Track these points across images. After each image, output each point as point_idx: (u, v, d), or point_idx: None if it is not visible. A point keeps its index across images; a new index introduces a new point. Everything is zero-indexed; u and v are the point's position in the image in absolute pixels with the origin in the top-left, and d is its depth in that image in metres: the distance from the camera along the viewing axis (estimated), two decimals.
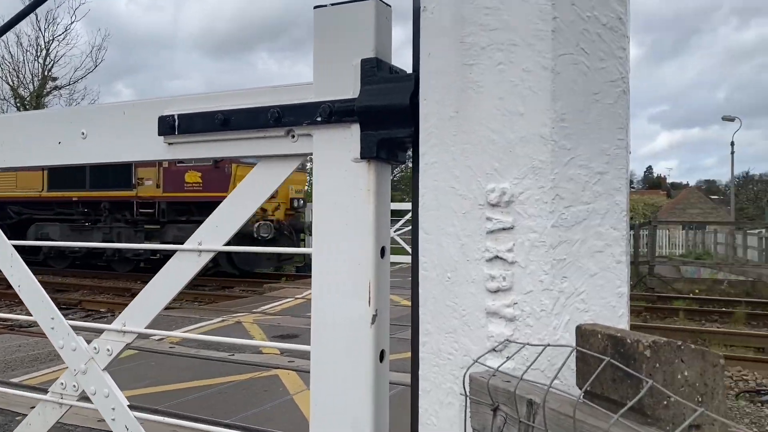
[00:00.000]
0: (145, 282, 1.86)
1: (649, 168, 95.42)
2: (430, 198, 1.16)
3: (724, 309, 14.37)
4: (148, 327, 1.84)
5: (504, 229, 1.05)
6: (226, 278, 17.76)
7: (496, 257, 1.06)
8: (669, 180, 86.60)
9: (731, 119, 36.44)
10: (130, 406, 1.85)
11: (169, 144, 1.71)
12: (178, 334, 2.38)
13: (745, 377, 8.65)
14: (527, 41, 1.04)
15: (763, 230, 24.34)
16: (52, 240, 19.20)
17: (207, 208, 15.91)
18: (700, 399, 0.76)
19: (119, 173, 18.78)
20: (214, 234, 1.71)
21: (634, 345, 0.74)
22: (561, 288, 1.03)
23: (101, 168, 18.00)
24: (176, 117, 1.67)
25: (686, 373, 0.75)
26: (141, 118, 1.76)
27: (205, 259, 1.74)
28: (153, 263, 18.64)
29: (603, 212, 1.07)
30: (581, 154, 1.05)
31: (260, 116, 1.54)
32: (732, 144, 35.34)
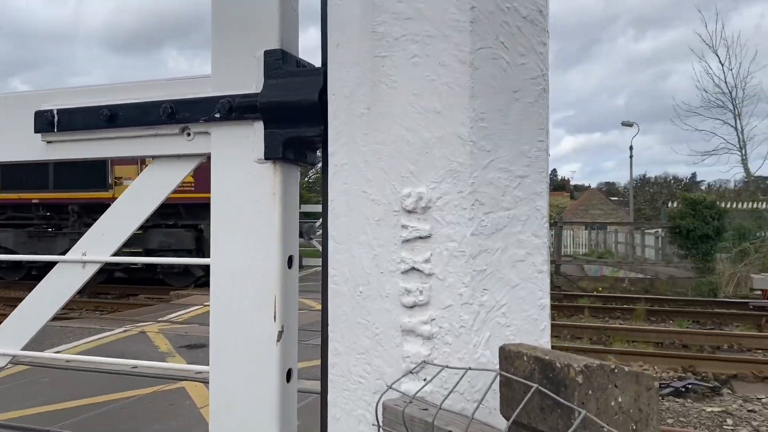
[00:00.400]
0: None
1: (554, 171, 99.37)
2: (341, 203, 1.05)
3: (625, 306, 15.09)
4: (25, 348, 1.64)
5: (421, 237, 0.96)
6: (129, 285, 16.81)
7: (413, 269, 0.96)
8: (572, 182, 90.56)
9: (630, 125, 38.44)
10: None
11: (48, 142, 1.53)
12: (48, 355, 2.15)
13: (646, 372, 9.05)
14: (444, 32, 0.95)
15: (660, 230, 25.80)
16: (5, 248, 17.17)
17: (199, 210, 14.57)
18: (634, 427, 0.69)
19: (91, 172, 16.78)
20: (100, 243, 1.55)
21: (565, 370, 0.66)
22: (481, 302, 0.95)
23: (69, 165, 16.09)
24: (55, 112, 1.50)
25: (620, 399, 0.68)
26: (14, 113, 1.57)
27: (91, 271, 1.57)
28: (130, 271, 17.10)
29: (524, 219, 1.00)
30: (501, 157, 0.97)
31: (151, 112, 1.41)
32: (631, 148, 37.27)
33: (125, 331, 8.38)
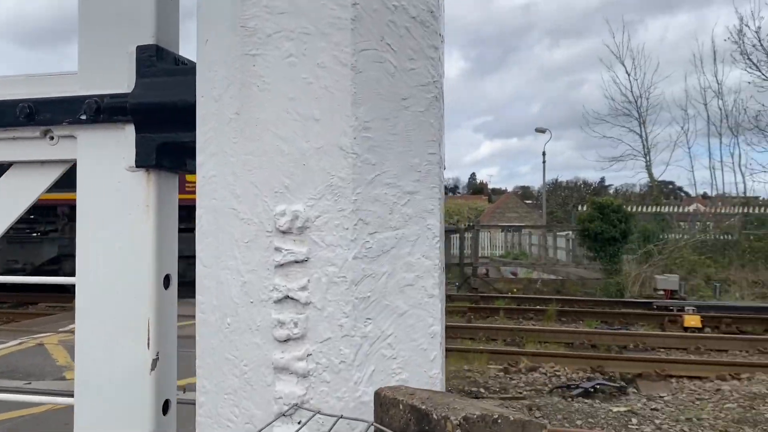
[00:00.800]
0: None
1: (473, 174, 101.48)
2: (208, 221, 0.93)
3: (538, 307, 15.50)
4: None
5: (297, 261, 0.85)
6: (28, 293, 15.65)
7: (287, 297, 0.85)
8: (490, 186, 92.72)
9: (543, 131, 39.78)
10: None
11: None
12: None
13: (557, 373, 9.29)
14: (322, 30, 0.84)
15: (570, 232, 26.73)
16: None
17: None
18: None
19: None
20: None
21: (441, 423, 0.57)
22: (364, 333, 0.85)
23: None
24: None
25: None
26: None
27: None
28: None
29: (413, 239, 0.91)
30: (388, 171, 0.88)
31: (7, 112, 1.26)
32: (544, 154, 38.48)
33: (20, 343, 7.80)
